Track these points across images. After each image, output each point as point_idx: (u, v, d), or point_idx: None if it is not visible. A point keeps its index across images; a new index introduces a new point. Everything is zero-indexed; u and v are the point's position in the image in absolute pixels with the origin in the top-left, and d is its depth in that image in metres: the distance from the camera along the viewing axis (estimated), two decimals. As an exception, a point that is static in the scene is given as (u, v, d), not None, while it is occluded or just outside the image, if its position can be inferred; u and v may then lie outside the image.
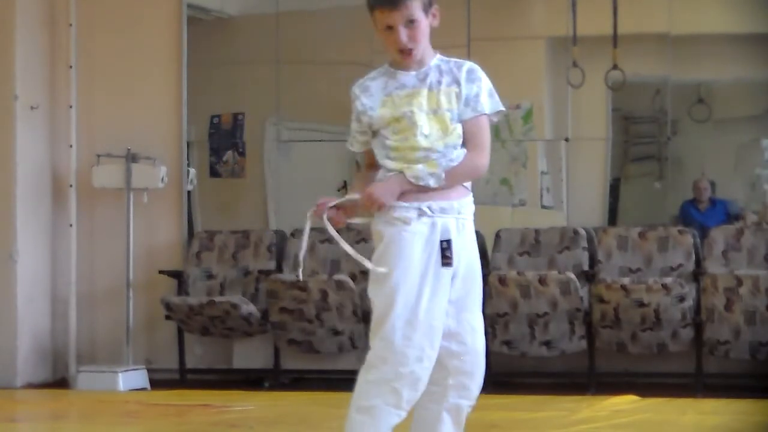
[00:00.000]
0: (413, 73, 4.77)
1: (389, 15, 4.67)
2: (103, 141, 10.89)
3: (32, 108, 10.83)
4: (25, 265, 10.72)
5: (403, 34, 4.67)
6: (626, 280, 9.90)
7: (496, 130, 10.97)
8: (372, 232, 4.80)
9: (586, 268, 10.25)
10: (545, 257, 10.40)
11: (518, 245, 10.49)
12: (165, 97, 11.11)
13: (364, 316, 10.06)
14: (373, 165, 4.84)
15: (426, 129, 4.69)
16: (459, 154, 4.69)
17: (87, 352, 10.94)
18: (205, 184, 11.23)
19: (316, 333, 10.22)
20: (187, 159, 11.09)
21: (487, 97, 4.78)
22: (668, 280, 9.89)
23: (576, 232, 10.47)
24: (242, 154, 11.26)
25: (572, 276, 9.94)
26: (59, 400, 9.97)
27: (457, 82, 4.75)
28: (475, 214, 11.60)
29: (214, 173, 11.26)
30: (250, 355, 10.72)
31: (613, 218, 10.89)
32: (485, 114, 4.77)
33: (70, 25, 11.00)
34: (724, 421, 8.25)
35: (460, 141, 4.72)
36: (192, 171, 11.09)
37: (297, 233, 10.76)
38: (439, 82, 4.75)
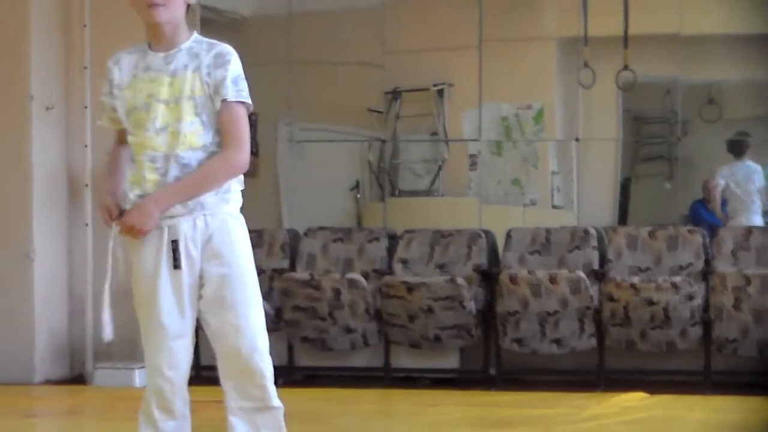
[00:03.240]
0: (162, 55, 4.44)
1: None
2: (118, 141, 10.95)
3: (47, 108, 10.88)
4: (42, 264, 10.78)
5: None
6: (636, 279, 9.95)
7: (507, 131, 11.07)
8: None
9: (596, 266, 10.29)
10: (556, 256, 10.45)
11: (529, 244, 10.54)
12: (180, 97, 11.17)
13: (376, 314, 10.14)
14: (124, 142, 4.62)
15: (159, 121, 4.39)
16: (200, 158, 4.40)
17: (103, 349, 10.98)
18: (219, 183, 11.32)
19: (329, 331, 10.28)
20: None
21: (229, 84, 4.39)
22: (677, 278, 9.93)
23: (586, 232, 10.51)
24: (255, 154, 11.34)
25: (582, 275, 9.99)
26: (76, 396, 10.04)
27: (201, 68, 4.41)
28: (486, 214, 11.50)
29: (228, 173, 11.36)
30: (263, 352, 10.79)
31: (623, 217, 10.95)
32: (235, 102, 4.40)
33: (84, 26, 11.06)
34: (733, 418, 8.30)
35: (202, 143, 4.40)
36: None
37: (310, 232, 10.83)
38: (185, 67, 4.41)
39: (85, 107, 11.04)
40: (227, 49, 4.47)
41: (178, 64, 4.42)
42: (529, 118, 11.08)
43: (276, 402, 4.52)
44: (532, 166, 11.16)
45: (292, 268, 10.72)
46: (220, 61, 4.42)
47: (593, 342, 10.01)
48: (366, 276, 10.28)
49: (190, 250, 4.40)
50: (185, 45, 4.47)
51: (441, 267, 10.52)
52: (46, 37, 10.92)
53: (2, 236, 10.70)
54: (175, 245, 4.37)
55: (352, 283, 10.19)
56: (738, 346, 9.85)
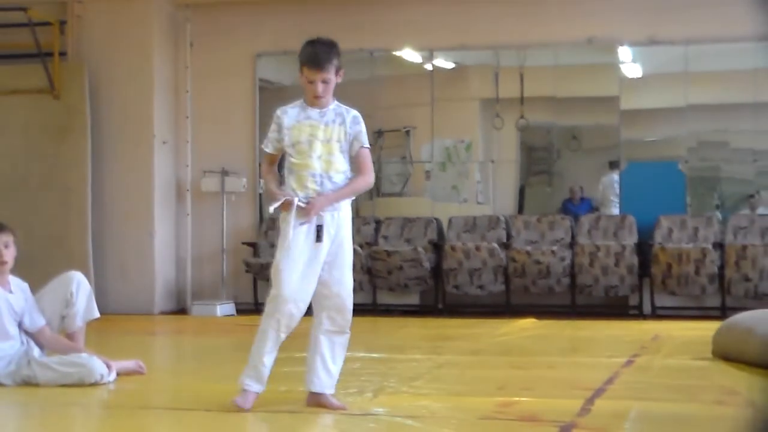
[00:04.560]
0: (317, 110, 4.43)
1: (314, 74, 4.38)
2: (207, 162, 10.95)
3: (164, 143, 10.89)
4: (160, 239, 10.80)
5: (320, 87, 4.38)
6: (529, 248, 9.97)
7: (449, 156, 11.05)
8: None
9: (504, 240, 10.31)
10: (479, 234, 10.46)
11: (463, 226, 10.55)
12: (245, 135, 11.16)
13: (368, 270, 10.11)
14: (274, 162, 4.52)
15: (318, 152, 4.36)
16: (342, 178, 4.39)
17: (198, 291, 11.01)
18: (270, 189, 11.27)
19: (338, 280, 10.26)
20: (259, 173, 11.13)
21: (363, 136, 4.45)
22: (555, 247, 9.95)
23: (498, 218, 10.53)
24: (293, 170, 11.29)
25: (496, 245, 10.00)
26: (180, 321, 10.05)
27: (345, 124, 4.42)
28: (436, 208, 11.44)
29: (275, 182, 11.30)
30: (298, 294, 10.76)
31: (521, 209, 10.93)
32: (367, 147, 4.46)
33: (187, 91, 11.06)
34: (589, 333, 8.32)
35: (343, 168, 4.40)
36: (262, 181, 11.11)
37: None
38: (333, 121, 4.41)
39: (187, 141, 11.04)
40: (358, 113, 4.50)
41: (328, 119, 4.42)
42: (463, 148, 11.05)
43: (349, 330, 4.50)
44: (465, 178, 11.12)
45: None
46: (357, 121, 4.45)
47: (503, 287, 10.03)
48: (362, 246, 10.26)
49: (329, 231, 4.41)
50: (331, 107, 4.46)
51: (408, 240, 10.52)
52: (163, 97, 10.93)
53: (136, 222, 10.71)
54: (319, 228, 4.37)
55: (353, 251, 10.15)
56: (592, 290, 9.89)
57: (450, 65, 11.30)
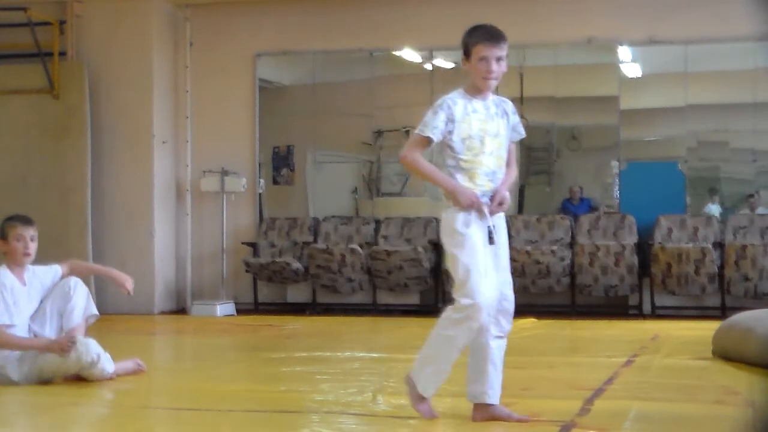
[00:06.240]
0: (482, 102, 4.09)
1: (488, 49, 4.01)
2: (207, 162, 10.94)
3: (163, 142, 10.89)
4: (160, 239, 10.79)
5: (494, 64, 4.01)
6: (529, 248, 9.96)
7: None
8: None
9: (504, 240, 10.29)
10: (479, 233, 10.44)
11: (462, 226, 10.53)
12: (245, 135, 11.16)
13: (367, 270, 10.12)
14: (421, 149, 4.15)
15: (489, 148, 4.07)
16: (503, 173, 4.14)
17: (198, 291, 11.00)
18: (270, 189, 11.28)
19: (338, 280, 10.27)
20: (259, 173, 11.13)
21: (521, 127, 4.19)
22: (554, 247, 9.94)
23: (498, 218, 10.50)
24: (293, 170, 11.31)
25: (495, 245, 9.99)
26: (180, 321, 10.04)
27: (507, 114, 4.14)
28: (435, 207, 11.44)
29: (275, 182, 11.31)
30: (297, 293, 10.78)
31: (520, 209, 10.93)
32: (523, 136, 4.21)
33: (187, 91, 11.05)
34: (589, 333, 8.31)
35: (505, 163, 4.16)
36: (261, 181, 11.14)
37: (326, 219, 10.80)
38: (496, 114, 4.11)
39: (187, 141, 11.05)
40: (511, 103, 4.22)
41: (491, 111, 4.10)
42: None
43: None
44: (466, 178, 11.11)
45: (315, 241, 10.71)
46: (514, 111, 4.19)
47: (502, 287, 10.00)
48: (361, 246, 10.27)
49: (497, 232, 4.11)
50: (490, 98, 4.14)
51: (408, 240, 10.52)
52: (163, 97, 10.93)
53: (135, 222, 10.70)
54: (490, 230, 4.06)
55: (353, 251, 10.17)
56: (592, 290, 9.88)
57: (450, 65, 11.28)
